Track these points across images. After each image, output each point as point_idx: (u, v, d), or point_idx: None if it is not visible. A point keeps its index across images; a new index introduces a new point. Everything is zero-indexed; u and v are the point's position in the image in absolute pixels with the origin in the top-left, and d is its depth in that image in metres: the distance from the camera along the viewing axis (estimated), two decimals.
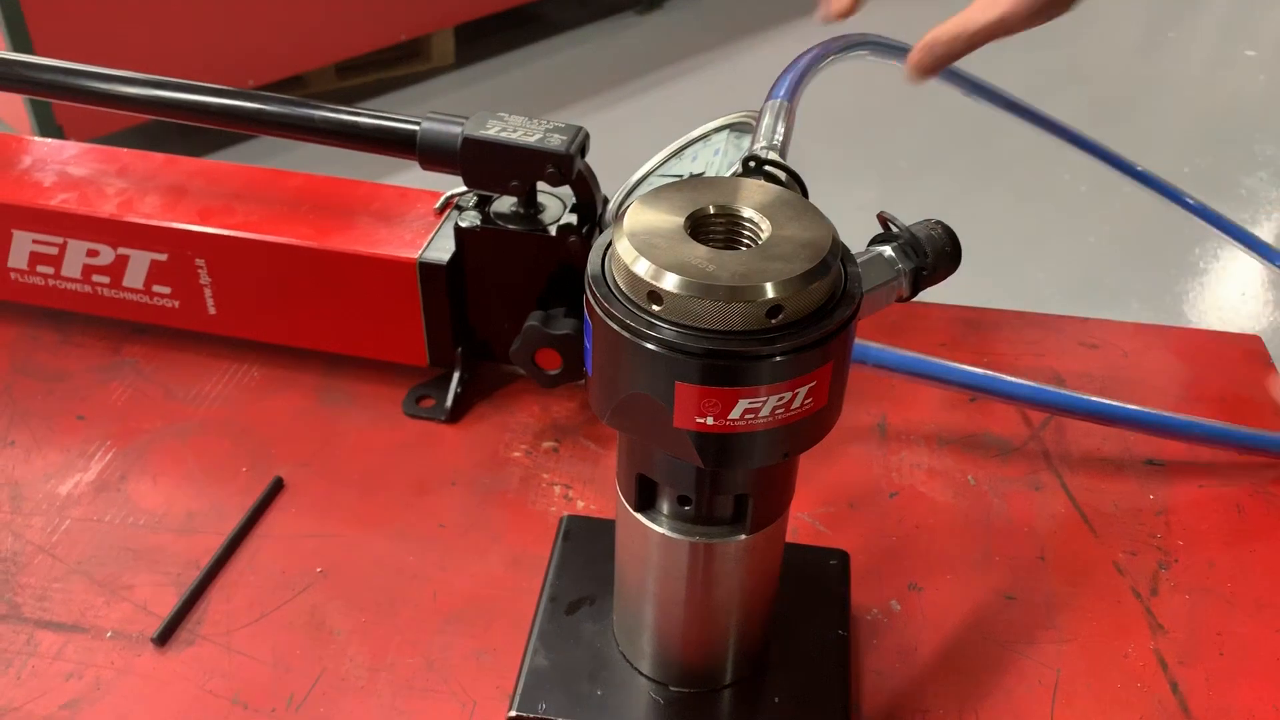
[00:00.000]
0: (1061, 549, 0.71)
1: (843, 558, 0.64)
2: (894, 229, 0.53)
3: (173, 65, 1.89)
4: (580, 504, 0.72)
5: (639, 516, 0.51)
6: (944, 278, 0.54)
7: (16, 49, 2.25)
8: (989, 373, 0.73)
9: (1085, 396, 0.74)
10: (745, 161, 0.58)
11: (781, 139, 0.62)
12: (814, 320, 0.43)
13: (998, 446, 0.78)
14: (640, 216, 0.45)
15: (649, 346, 0.43)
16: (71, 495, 0.71)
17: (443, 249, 0.74)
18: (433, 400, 0.79)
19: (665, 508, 0.51)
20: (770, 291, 0.42)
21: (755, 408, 0.43)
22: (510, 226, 0.73)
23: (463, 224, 0.73)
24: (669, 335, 0.42)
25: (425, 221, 0.77)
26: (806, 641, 0.59)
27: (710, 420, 0.44)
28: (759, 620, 0.56)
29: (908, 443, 0.77)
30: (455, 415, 0.78)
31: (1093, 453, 0.78)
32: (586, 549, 0.64)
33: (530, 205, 0.74)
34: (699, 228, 0.45)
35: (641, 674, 0.57)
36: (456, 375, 0.78)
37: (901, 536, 0.71)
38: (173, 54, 2.54)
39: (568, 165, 0.70)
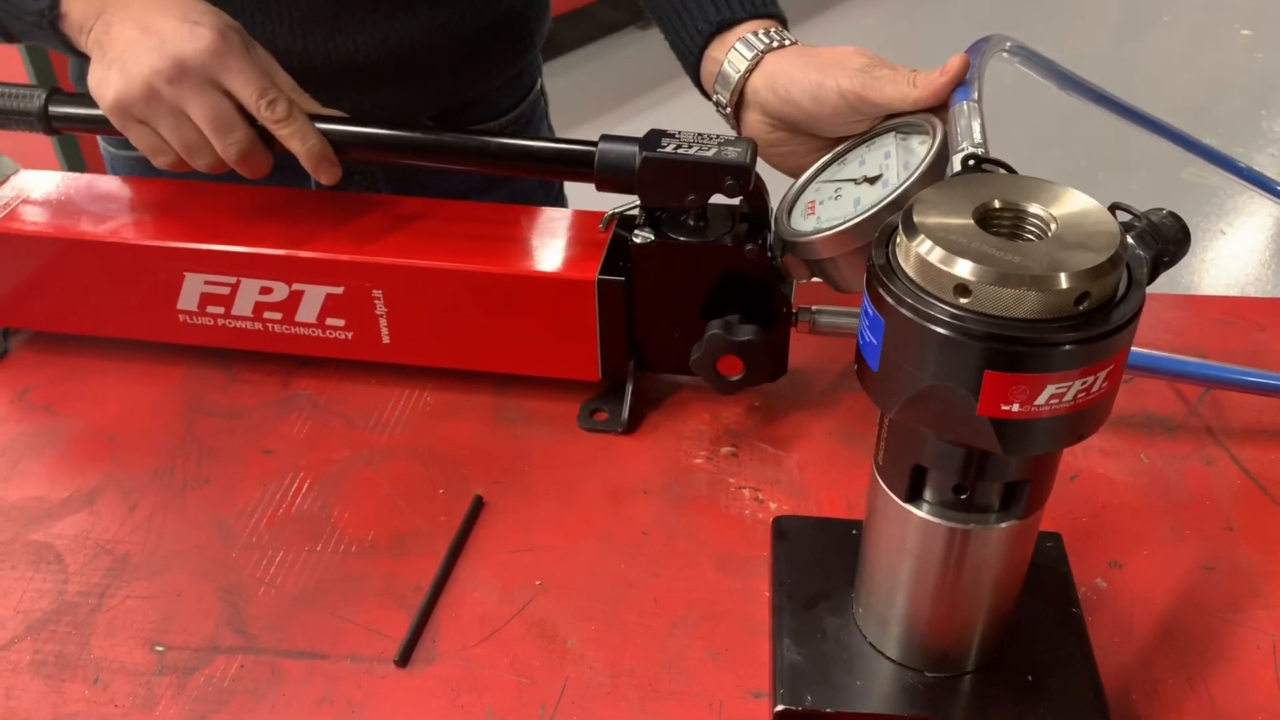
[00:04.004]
0: (1246, 519, 0.73)
1: (1057, 539, 0.66)
2: (1131, 217, 0.55)
3: None
4: (772, 505, 0.74)
5: (908, 507, 0.53)
6: (1176, 263, 0.56)
7: None
8: (1150, 352, 0.76)
9: (1246, 369, 0.77)
10: (964, 160, 0.60)
11: (980, 137, 0.64)
12: (1111, 305, 0.45)
13: (1161, 425, 0.80)
14: (928, 214, 0.47)
15: (958, 338, 0.45)
16: (278, 527, 0.72)
17: (617, 266, 0.76)
18: (606, 414, 0.81)
19: (932, 496, 0.53)
20: (1079, 279, 0.44)
21: (1060, 393, 0.45)
22: (685, 239, 0.75)
23: (637, 240, 0.75)
24: (978, 326, 0.44)
25: (593, 240, 0.79)
26: (1041, 621, 0.61)
27: (1016, 407, 0.45)
28: (1013, 602, 0.58)
29: None
30: (632, 426, 0.80)
31: (1253, 425, 0.80)
32: (806, 547, 0.66)
33: (701, 218, 0.76)
34: (986, 221, 0.47)
35: (893, 662, 0.59)
36: (630, 388, 0.80)
37: (1090, 517, 0.73)
38: None
39: (746, 176, 0.72)
